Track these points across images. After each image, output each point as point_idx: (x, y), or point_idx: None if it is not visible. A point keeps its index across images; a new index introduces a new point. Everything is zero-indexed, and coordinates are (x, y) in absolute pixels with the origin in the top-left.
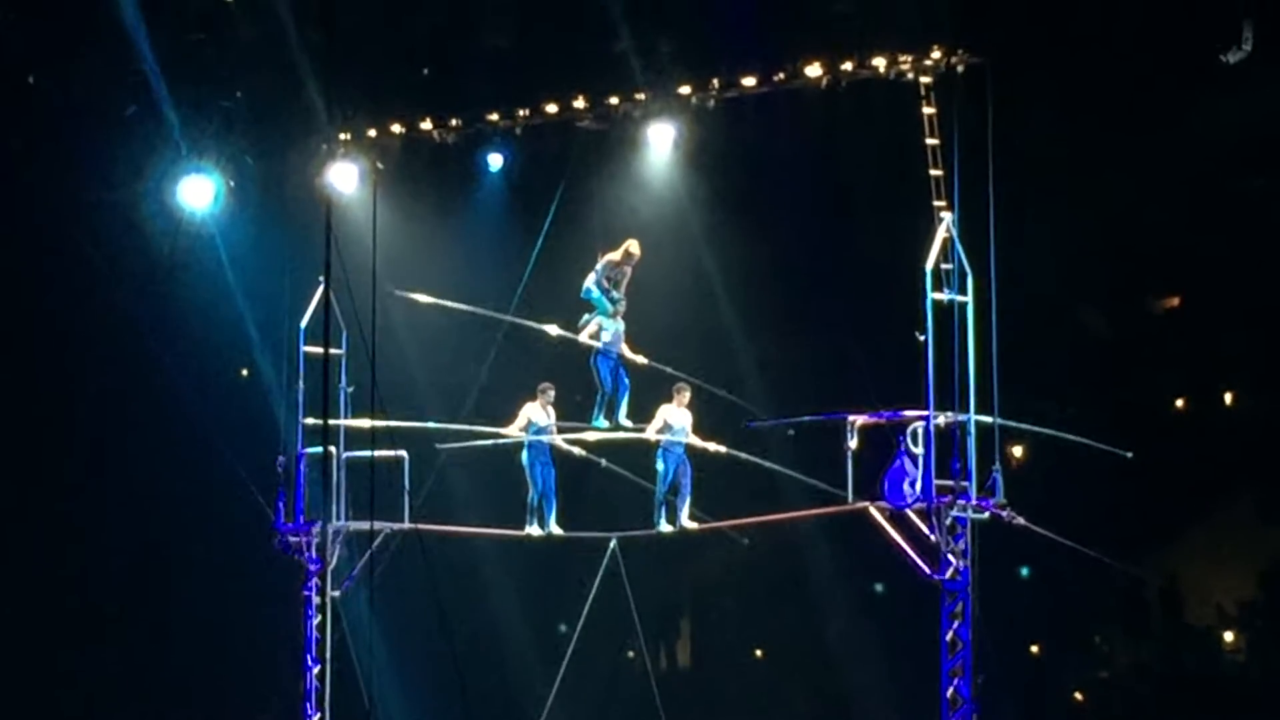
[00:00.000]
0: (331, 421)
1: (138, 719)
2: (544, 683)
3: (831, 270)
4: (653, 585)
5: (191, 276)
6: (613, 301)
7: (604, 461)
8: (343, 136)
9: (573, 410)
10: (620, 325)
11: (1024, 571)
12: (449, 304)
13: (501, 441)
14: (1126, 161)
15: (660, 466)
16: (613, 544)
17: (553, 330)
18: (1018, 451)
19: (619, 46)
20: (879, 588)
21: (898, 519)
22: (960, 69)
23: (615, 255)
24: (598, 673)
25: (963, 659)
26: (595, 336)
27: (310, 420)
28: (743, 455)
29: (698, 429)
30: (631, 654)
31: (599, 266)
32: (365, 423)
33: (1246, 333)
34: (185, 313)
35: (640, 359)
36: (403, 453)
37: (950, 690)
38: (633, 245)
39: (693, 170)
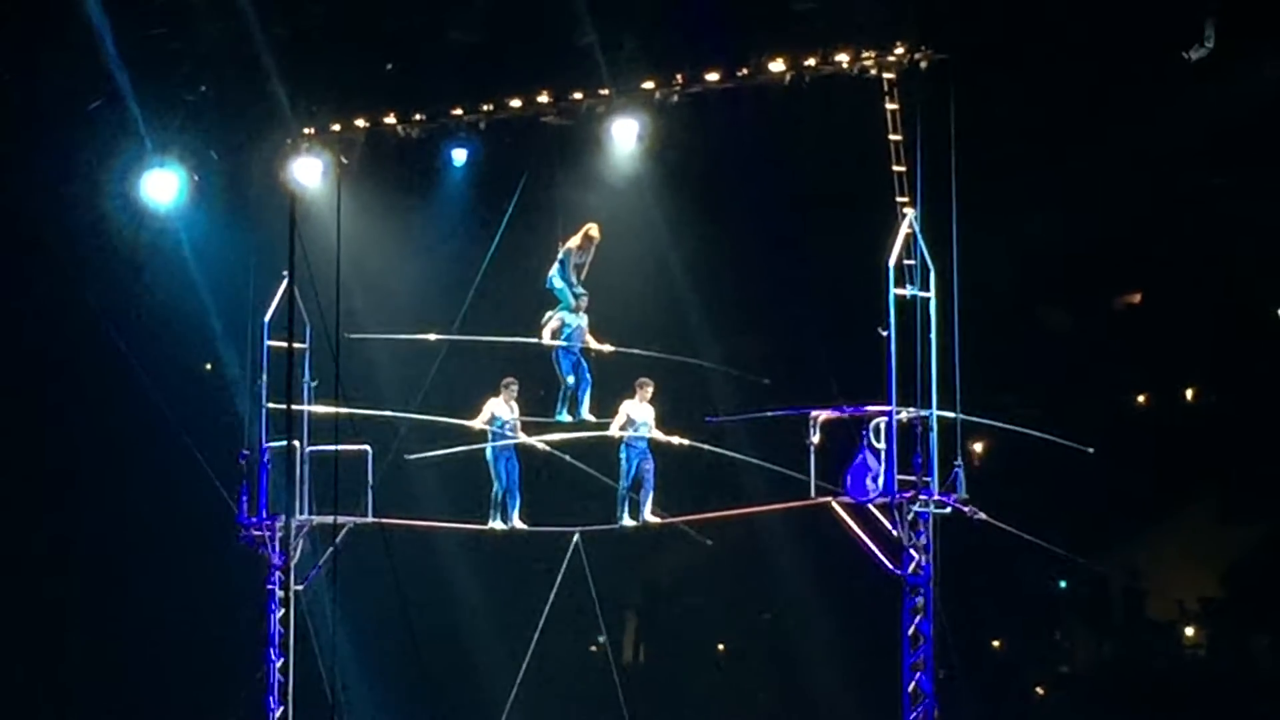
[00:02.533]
0: (295, 407)
1: (100, 713)
2: (507, 676)
3: (795, 266)
4: (616, 580)
5: (156, 270)
6: (575, 296)
7: (567, 456)
8: (307, 131)
9: (536, 405)
10: (583, 319)
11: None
12: (418, 336)
13: (469, 449)
14: (1089, 158)
15: (623, 461)
16: (576, 538)
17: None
18: (980, 447)
19: (583, 42)
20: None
21: (860, 514)
22: (923, 65)
23: (575, 240)
24: (561, 667)
25: (924, 653)
26: (557, 332)
27: (272, 404)
28: (705, 448)
29: (660, 423)
30: (594, 648)
31: (562, 256)
32: (329, 409)
33: (1207, 329)
34: (149, 307)
35: (607, 347)
36: (366, 447)
37: (912, 685)
38: (592, 229)
39: (656, 166)
